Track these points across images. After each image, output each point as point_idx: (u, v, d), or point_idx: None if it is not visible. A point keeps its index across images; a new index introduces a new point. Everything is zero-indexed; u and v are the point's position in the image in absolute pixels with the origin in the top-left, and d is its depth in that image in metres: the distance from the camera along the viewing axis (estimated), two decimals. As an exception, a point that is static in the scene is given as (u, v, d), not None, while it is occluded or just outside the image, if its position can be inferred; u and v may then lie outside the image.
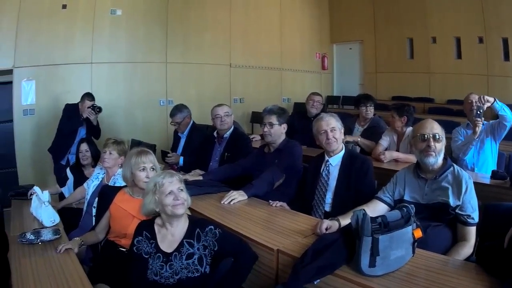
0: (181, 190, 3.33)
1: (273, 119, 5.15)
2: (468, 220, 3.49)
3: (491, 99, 5.57)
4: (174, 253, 3.24)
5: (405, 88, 13.57)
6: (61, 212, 4.70)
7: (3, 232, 4.20)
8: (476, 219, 3.52)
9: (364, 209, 2.98)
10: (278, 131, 5.17)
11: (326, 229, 3.43)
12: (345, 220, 3.43)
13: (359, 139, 6.94)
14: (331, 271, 2.86)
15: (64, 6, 9.03)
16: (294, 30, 14.12)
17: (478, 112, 5.60)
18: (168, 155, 6.55)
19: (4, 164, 8.72)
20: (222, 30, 12.07)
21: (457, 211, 3.52)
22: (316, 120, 4.64)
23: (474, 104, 5.82)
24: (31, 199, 4.58)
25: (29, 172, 8.79)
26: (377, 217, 2.91)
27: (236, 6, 12.33)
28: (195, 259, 3.23)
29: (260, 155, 5.40)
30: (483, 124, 5.77)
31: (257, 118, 11.93)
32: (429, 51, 13.11)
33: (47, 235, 3.76)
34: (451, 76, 12.58)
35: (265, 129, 5.22)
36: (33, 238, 3.69)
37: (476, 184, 3.70)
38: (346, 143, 5.14)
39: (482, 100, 5.59)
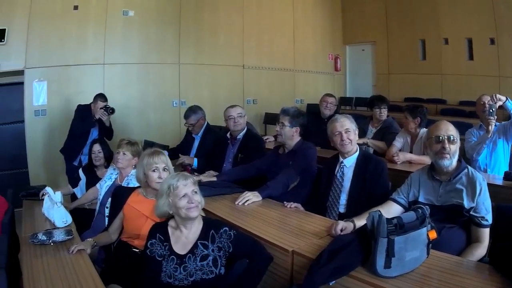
0: (195, 192, 3.31)
1: (285, 120, 5.13)
2: (482, 222, 3.49)
3: (503, 98, 5.65)
4: (188, 254, 3.23)
5: (417, 89, 13.61)
6: (73, 212, 4.71)
7: (14, 232, 4.19)
8: (490, 221, 3.52)
9: (379, 211, 2.98)
10: (288, 133, 5.13)
11: (341, 230, 3.45)
12: (360, 221, 3.44)
13: (368, 141, 6.94)
14: (347, 272, 2.87)
15: (75, 7, 9.06)
16: (307, 31, 14.13)
17: (491, 111, 5.63)
18: (179, 159, 6.51)
19: (16, 164, 8.75)
20: (235, 31, 12.07)
21: (471, 213, 3.51)
22: (331, 122, 4.62)
23: (487, 104, 5.81)
24: (43, 199, 4.58)
25: (40, 172, 8.82)
26: (392, 218, 2.91)
27: (249, 7, 12.34)
28: (209, 261, 3.22)
29: (275, 156, 5.39)
30: (495, 125, 5.77)
31: (270, 119, 11.98)
32: (441, 52, 13.12)
33: (59, 236, 3.75)
34: (463, 78, 12.61)
35: (277, 128, 5.23)
36: (45, 238, 3.69)
37: (489, 186, 3.68)
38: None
39: (494, 98, 5.65)
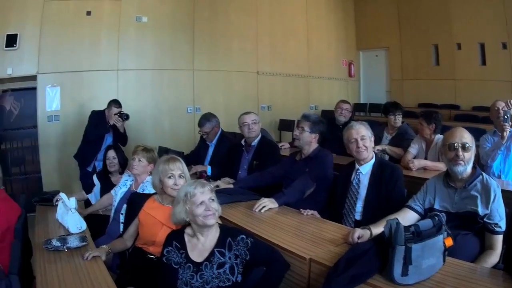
0: (213, 200, 3.31)
1: (306, 125, 5.13)
2: (496, 228, 3.50)
3: None
4: (205, 262, 3.23)
5: (431, 95, 13.57)
6: (87, 218, 4.69)
7: (27, 237, 4.18)
8: (503, 228, 3.52)
9: (397, 218, 2.98)
10: (307, 139, 5.12)
11: (358, 238, 3.45)
12: (377, 229, 3.46)
13: (386, 147, 6.95)
14: (364, 280, 2.88)
15: (88, 13, 9.13)
16: (321, 37, 14.11)
17: (506, 117, 5.63)
18: (192, 169, 6.42)
19: (29, 169, 8.75)
20: (248, 38, 12.06)
21: (485, 219, 3.53)
22: (347, 129, 4.62)
23: (501, 110, 5.83)
24: (56, 205, 4.59)
25: (53, 178, 8.86)
26: (410, 226, 2.93)
27: (262, 13, 12.33)
28: (226, 268, 3.21)
29: (291, 162, 5.37)
30: (510, 132, 5.73)
31: (285, 125, 12.02)
32: (454, 58, 13.08)
33: (73, 242, 3.75)
34: (476, 83, 12.54)
35: (296, 132, 5.24)
36: (59, 244, 3.68)
37: (503, 192, 3.69)
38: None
39: (509, 104, 5.72)
